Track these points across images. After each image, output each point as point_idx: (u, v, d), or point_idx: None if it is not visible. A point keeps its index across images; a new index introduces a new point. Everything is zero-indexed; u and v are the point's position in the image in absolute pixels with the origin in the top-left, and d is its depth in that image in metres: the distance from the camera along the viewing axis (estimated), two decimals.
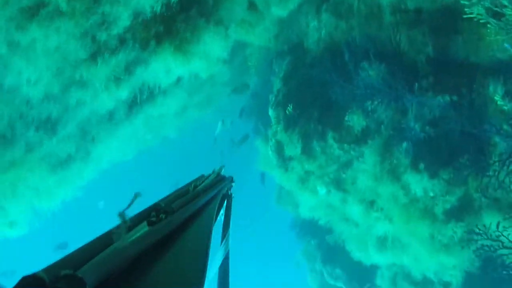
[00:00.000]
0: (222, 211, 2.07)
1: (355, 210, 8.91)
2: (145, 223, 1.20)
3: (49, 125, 6.28)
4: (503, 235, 6.99)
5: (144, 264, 1.01)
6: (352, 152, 8.56)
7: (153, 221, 1.22)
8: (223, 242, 1.92)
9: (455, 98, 7.25)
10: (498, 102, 6.73)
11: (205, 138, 17.36)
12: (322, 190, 9.39)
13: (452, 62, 7.26)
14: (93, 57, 5.65)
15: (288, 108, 9.45)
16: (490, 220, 7.40)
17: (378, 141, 8.06)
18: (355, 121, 8.28)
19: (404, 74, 7.62)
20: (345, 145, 8.60)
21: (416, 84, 7.45)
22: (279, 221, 15.51)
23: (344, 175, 8.87)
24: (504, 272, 7.61)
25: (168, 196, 1.52)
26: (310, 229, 12.51)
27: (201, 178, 1.97)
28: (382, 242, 9.00)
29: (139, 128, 10.11)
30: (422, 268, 8.75)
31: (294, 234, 14.52)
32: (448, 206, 7.57)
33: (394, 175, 7.91)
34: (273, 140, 9.92)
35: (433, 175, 7.53)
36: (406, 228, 8.11)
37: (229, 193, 2.24)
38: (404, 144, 7.76)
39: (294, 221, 13.87)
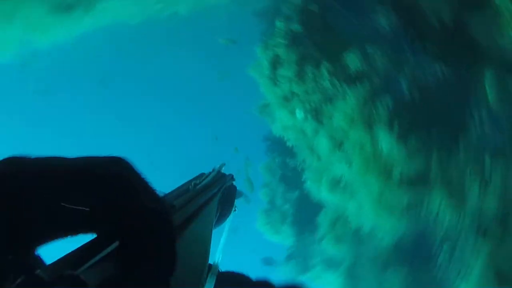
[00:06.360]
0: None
1: (323, 143, 9.04)
2: None
3: None
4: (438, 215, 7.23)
5: None
6: (339, 89, 8.51)
7: None
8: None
9: (451, 71, 7.12)
10: (487, 90, 6.65)
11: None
12: (300, 114, 9.47)
13: (463, 36, 7.03)
14: None
15: (297, 25, 9.23)
16: (439, 196, 7.59)
17: (366, 86, 8.00)
18: (351, 60, 8.14)
19: (412, 29, 7.40)
20: (336, 80, 8.53)
21: (420, 44, 7.27)
22: (257, 130, 15.26)
23: (325, 108, 8.89)
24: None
25: (168, 194, 1.49)
26: (280, 147, 12.60)
27: (201, 176, 1.89)
28: (336, 183, 9.24)
29: None
30: (361, 220, 9.02)
31: (264, 146, 14.65)
32: (406, 171, 7.69)
33: (368, 124, 7.95)
34: (273, 51, 9.77)
35: (403, 137, 7.59)
36: (361, 178, 8.29)
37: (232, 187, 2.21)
38: (388, 98, 7.72)
39: (269, 134, 13.48)
